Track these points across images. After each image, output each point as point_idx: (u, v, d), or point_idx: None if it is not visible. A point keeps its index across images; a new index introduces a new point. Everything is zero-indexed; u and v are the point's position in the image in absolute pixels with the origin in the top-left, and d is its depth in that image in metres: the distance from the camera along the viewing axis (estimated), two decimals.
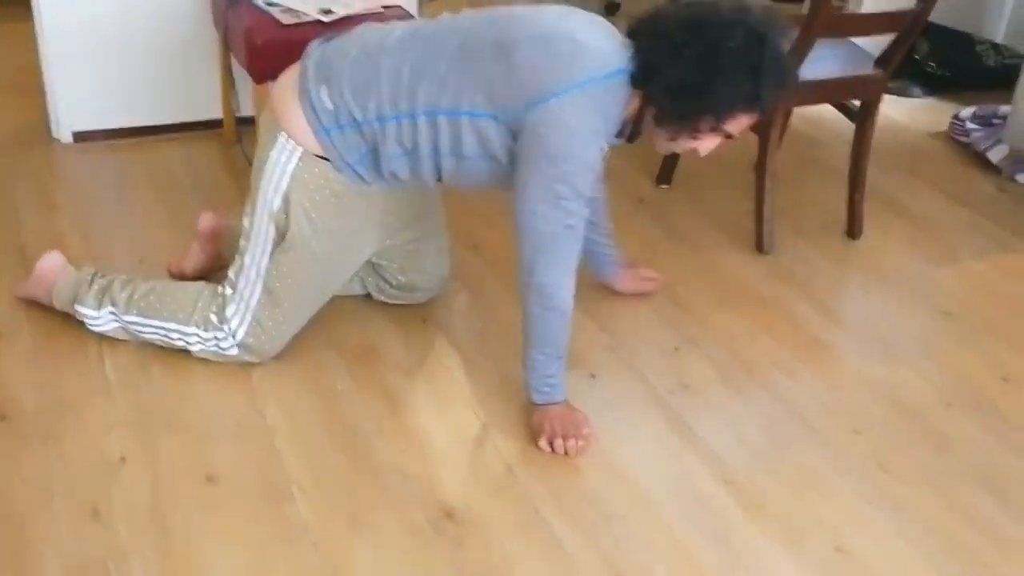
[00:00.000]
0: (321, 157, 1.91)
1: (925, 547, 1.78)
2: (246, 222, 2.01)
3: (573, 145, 1.80)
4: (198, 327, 2.03)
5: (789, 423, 2.05)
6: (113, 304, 2.06)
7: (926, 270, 2.68)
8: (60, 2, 2.81)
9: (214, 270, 2.31)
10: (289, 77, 1.95)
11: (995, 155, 3.30)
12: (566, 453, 1.91)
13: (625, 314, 2.37)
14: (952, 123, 3.52)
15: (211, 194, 2.77)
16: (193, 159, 2.98)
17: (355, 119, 1.87)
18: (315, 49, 1.95)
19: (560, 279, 1.87)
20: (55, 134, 3.01)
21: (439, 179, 1.96)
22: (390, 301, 2.29)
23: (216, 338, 2.03)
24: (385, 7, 2.67)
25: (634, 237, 2.65)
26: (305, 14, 2.55)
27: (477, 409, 2.04)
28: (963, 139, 3.44)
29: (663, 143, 1.94)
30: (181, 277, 2.33)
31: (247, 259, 2.01)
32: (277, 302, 2.00)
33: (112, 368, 2.07)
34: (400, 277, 2.25)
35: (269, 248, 1.98)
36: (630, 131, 1.93)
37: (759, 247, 2.66)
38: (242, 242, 2.02)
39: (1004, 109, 3.38)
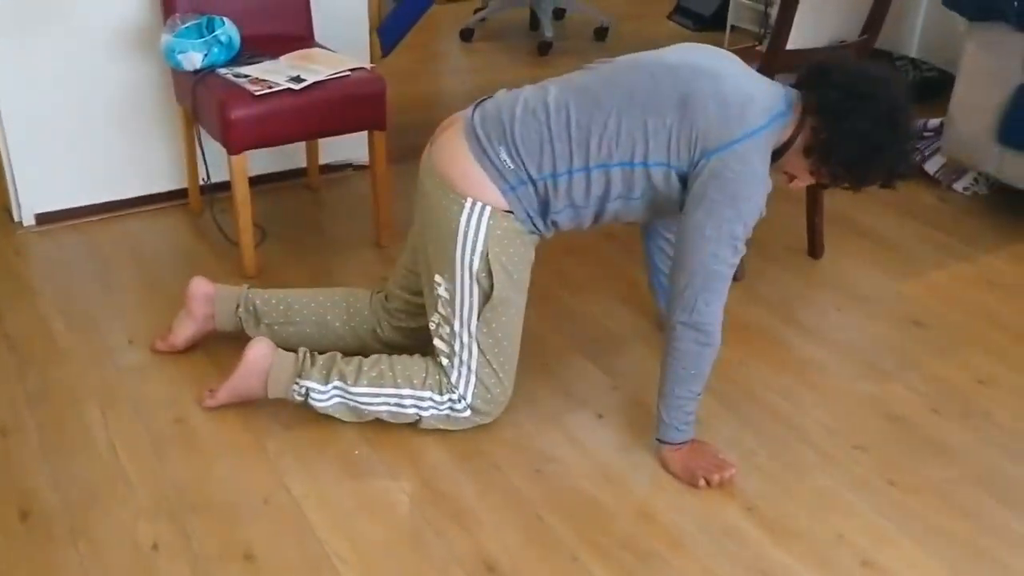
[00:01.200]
0: (506, 211, 1.97)
1: (944, 554, 1.88)
2: (441, 291, 2.03)
3: (752, 188, 1.92)
4: (432, 391, 2.06)
5: (796, 446, 2.14)
6: (341, 377, 2.06)
7: (890, 283, 2.81)
8: (17, 83, 2.78)
9: (207, 336, 2.32)
10: (454, 144, 2.00)
11: (931, 166, 3.48)
12: (720, 484, 2.00)
13: (624, 353, 2.44)
14: None
15: (186, 263, 2.76)
16: (161, 231, 2.97)
17: (531, 175, 1.95)
18: (474, 115, 2.01)
19: (718, 316, 1.97)
20: (17, 217, 2.96)
21: (595, 222, 2.06)
22: (402, 325, 2.27)
23: (451, 400, 2.07)
24: (351, 70, 2.70)
25: (613, 271, 2.73)
26: (276, 83, 2.57)
27: (498, 460, 2.07)
28: None
29: (790, 167, 2.05)
30: (171, 352, 2.32)
31: (456, 325, 2.04)
32: (493, 359, 2.05)
33: (126, 456, 2.06)
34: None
35: (476, 308, 2.02)
36: None
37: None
38: (443, 310, 2.04)
39: (933, 122, 3.57)
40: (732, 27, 5.00)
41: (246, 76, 2.61)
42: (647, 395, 2.26)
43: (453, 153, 2.00)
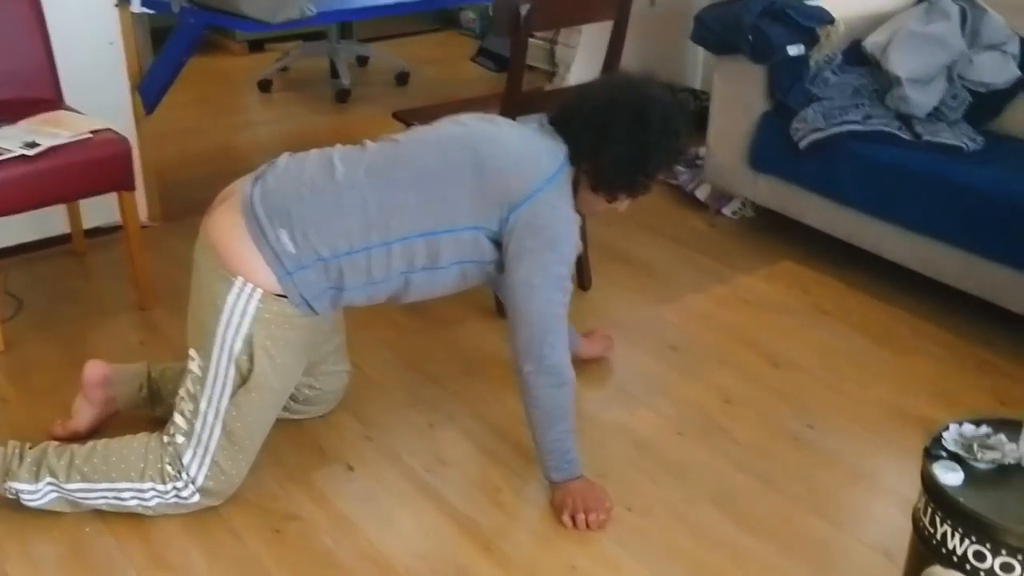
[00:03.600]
0: (279, 295, 1.90)
1: (670, 573, 1.92)
2: (194, 366, 1.96)
3: (567, 229, 2.00)
4: (154, 481, 1.96)
5: (537, 479, 2.16)
6: (52, 474, 1.95)
7: (652, 309, 2.91)
8: None
9: (110, 418, 2.23)
10: (229, 221, 1.91)
11: (701, 193, 3.62)
12: (588, 527, 2.01)
13: (379, 400, 2.43)
14: None
15: None
16: None
17: (321, 256, 1.89)
18: (254, 191, 1.93)
19: (565, 354, 2.01)
20: None
21: (395, 298, 2.03)
22: (293, 416, 2.27)
23: (176, 488, 1.97)
24: (94, 132, 2.64)
25: (378, 318, 2.73)
26: (7, 150, 2.49)
27: (236, 524, 2.03)
28: (674, 182, 3.75)
29: (591, 207, 2.15)
30: (73, 438, 2.17)
31: (203, 403, 1.95)
32: (237, 442, 1.97)
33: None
34: (307, 391, 2.26)
35: (229, 391, 1.94)
36: None
37: (499, 311, 2.80)
38: (192, 386, 1.96)
39: (704, 150, 3.72)
40: (529, 67, 5.10)
41: None
42: (401, 442, 2.27)
43: (228, 231, 1.92)
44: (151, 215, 3.39)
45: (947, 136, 2.90)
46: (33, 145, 2.53)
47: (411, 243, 1.94)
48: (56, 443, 2.04)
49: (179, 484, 1.97)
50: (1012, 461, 1.53)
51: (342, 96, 4.86)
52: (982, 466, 1.52)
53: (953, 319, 2.83)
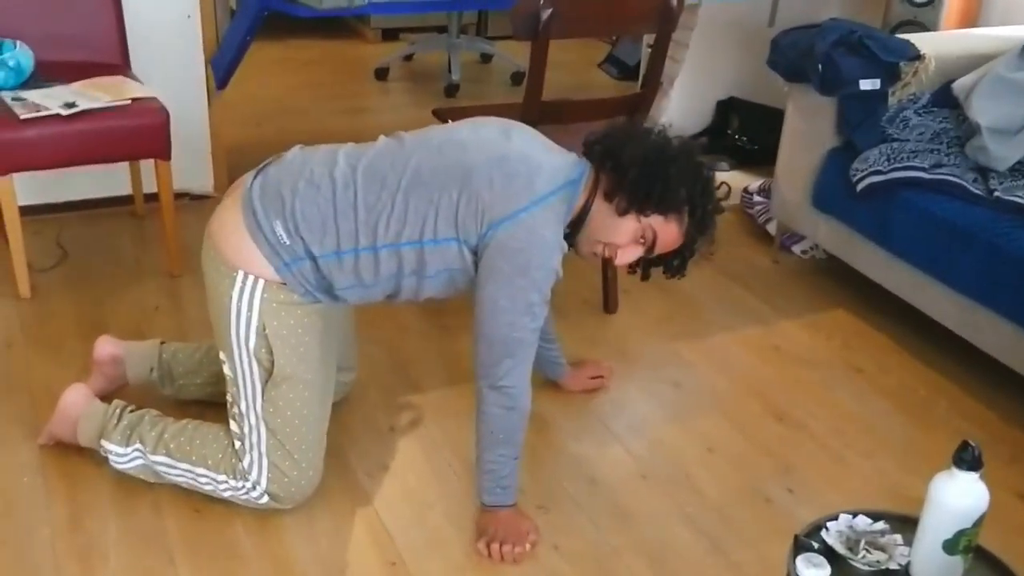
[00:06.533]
0: (281, 283, 1.90)
1: None
2: (226, 369, 1.97)
3: (543, 255, 1.88)
4: (227, 474, 1.97)
5: (476, 503, 2.07)
6: (141, 442, 2.00)
7: (671, 343, 2.75)
8: None
9: (119, 390, 2.27)
10: (229, 216, 1.92)
11: (773, 227, 3.41)
12: (502, 559, 1.93)
13: (350, 396, 2.39)
14: (743, 196, 3.64)
15: None
16: None
17: (311, 253, 1.88)
18: (253, 184, 1.93)
19: (524, 380, 1.93)
20: None
21: (391, 298, 2.00)
22: None
23: (246, 487, 1.97)
24: (134, 99, 2.72)
25: (385, 316, 2.70)
26: (45, 108, 2.60)
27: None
28: (750, 211, 3.55)
29: (590, 245, 1.99)
30: None
31: (242, 406, 1.95)
32: (284, 440, 1.94)
33: None
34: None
35: (259, 387, 1.94)
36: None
37: None
38: (230, 390, 1.97)
39: (752, 185, 3.51)
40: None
41: (23, 100, 2.65)
42: (354, 442, 2.22)
43: (227, 225, 1.92)
44: (217, 186, 3.48)
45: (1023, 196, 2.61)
46: (71, 106, 2.63)
47: (398, 250, 1.89)
48: (155, 412, 2.07)
49: (248, 484, 1.96)
50: (897, 566, 1.34)
51: (451, 91, 4.87)
52: (860, 567, 1.34)
53: (999, 398, 2.55)
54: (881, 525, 1.40)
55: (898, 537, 1.37)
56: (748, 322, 2.89)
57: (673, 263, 2.07)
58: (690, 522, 2.08)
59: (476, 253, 1.92)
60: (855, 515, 1.41)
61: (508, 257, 1.87)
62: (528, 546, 1.96)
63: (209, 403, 2.22)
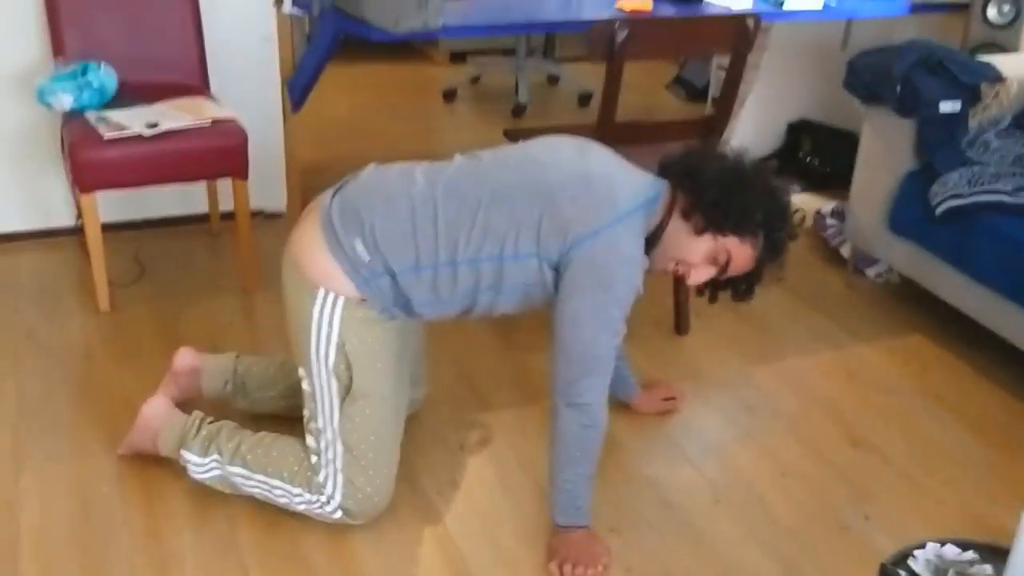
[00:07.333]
0: (362, 300, 1.92)
1: None
2: (305, 385, 1.99)
3: (625, 271, 1.89)
4: (303, 487, 1.98)
5: (548, 522, 2.06)
6: (219, 452, 2.02)
7: (745, 367, 2.71)
8: None
9: (190, 401, 2.29)
10: (309, 235, 1.94)
11: (846, 250, 3.35)
12: None
13: (421, 413, 2.40)
14: (815, 218, 3.59)
15: (47, 295, 2.86)
16: (46, 264, 3.09)
17: (389, 270, 1.90)
18: (332, 202, 1.95)
19: (602, 398, 1.93)
20: None
21: (465, 314, 2.00)
22: None
23: (320, 502, 1.98)
24: (214, 120, 2.78)
25: (457, 332, 2.70)
26: (128, 128, 2.67)
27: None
28: (823, 234, 3.50)
29: (664, 262, 2.00)
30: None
31: (320, 421, 1.97)
32: (360, 456, 1.95)
33: None
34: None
35: (337, 403, 1.95)
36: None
37: None
38: (308, 406, 1.99)
39: (825, 208, 3.46)
40: (713, 99, 4.95)
41: (106, 120, 2.72)
42: (424, 459, 2.23)
43: (307, 244, 1.94)
44: (290, 205, 3.53)
45: None
46: (153, 126, 2.69)
47: (477, 265, 1.90)
48: (233, 424, 2.09)
49: (323, 499, 1.97)
50: None
51: (518, 112, 4.90)
52: None
53: None
54: (971, 555, 1.35)
55: (988, 568, 1.33)
56: (822, 346, 2.85)
57: (742, 286, 2.05)
58: (764, 547, 2.04)
59: (556, 269, 1.92)
60: (943, 543, 1.37)
61: (591, 273, 1.87)
62: (601, 568, 1.94)
63: (283, 417, 2.24)
